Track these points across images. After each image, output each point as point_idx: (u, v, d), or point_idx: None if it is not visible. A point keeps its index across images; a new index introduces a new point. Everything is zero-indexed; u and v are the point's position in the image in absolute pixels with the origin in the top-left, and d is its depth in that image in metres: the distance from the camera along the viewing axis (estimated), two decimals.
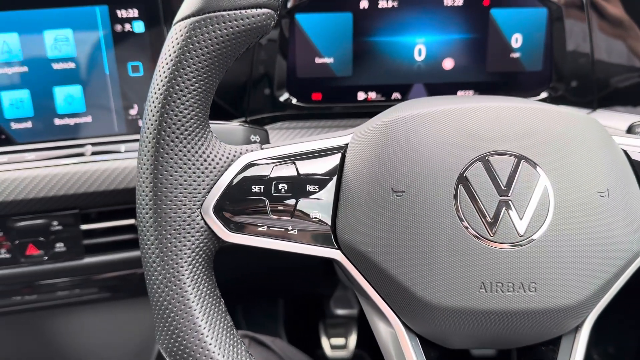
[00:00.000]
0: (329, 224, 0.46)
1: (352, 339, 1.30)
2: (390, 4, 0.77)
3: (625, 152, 0.47)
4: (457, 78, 0.81)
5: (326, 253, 0.47)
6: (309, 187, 0.46)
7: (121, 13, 0.71)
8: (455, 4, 0.77)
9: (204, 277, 0.45)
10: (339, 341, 1.32)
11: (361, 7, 0.77)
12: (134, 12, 0.71)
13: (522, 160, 0.43)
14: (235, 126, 0.59)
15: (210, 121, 0.54)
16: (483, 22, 0.78)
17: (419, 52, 0.79)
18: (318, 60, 0.79)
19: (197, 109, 0.44)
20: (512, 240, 0.43)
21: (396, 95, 0.82)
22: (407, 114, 0.46)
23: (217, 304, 0.46)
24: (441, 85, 0.81)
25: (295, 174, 0.46)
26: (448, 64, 0.80)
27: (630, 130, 0.63)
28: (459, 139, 0.44)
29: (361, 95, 0.82)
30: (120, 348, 0.92)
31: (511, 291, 0.43)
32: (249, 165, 0.46)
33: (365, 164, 0.45)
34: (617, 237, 0.44)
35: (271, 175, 0.46)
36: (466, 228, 0.43)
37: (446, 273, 0.43)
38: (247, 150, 0.47)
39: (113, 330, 0.90)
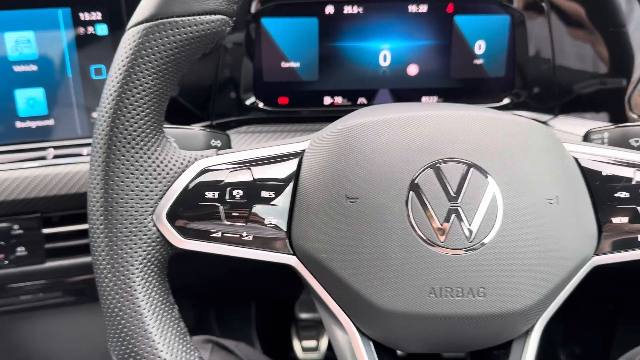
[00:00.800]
0: (284, 230, 0.46)
1: (324, 342, 1.31)
2: (355, 10, 0.78)
3: (576, 160, 0.48)
4: (422, 84, 0.81)
5: (281, 259, 0.47)
6: (264, 193, 0.46)
7: (84, 16, 0.71)
8: (420, 11, 0.78)
9: (157, 283, 0.45)
10: (311, 343, 1.33)
11: (327, 12, 0.78)
12: (97, 15, 0.71)
13: (472, 168, 0.44)
14: (195, 131, 0.59)
15: (170, 126, 0.54)
16: (447, 28, 0.79)
17: (384, 58, 0.80)
18: (284, 65, 0.80)
19: (150, 115, 0.44)
20: (461, 246, 0.43)
21: (362, 100, 0.82)
22: (362, 121, 0.46)
23: (170, 310, 0.46)
24: (406, 90, 0.82)
25: (250, 179, 0.46)
26: (412, 69, 0.81)
27: (586, 136, 0.65)
28: (411, 146, 0.44)
29: (327, 100, 0.82)
30: (85, 352, 0.91)
31: (460, 296, 0.44)
32: (204, 170, 0.46)
33: (321, 170, 0.46)
34: (565, 243, 0.45)
35: (226, 181, 0.46)
36: (417, 234, 0.43)
37: (397, 278, 0.44)
38: (202, 155, 0.47)
39: (77, 335, 0.89)
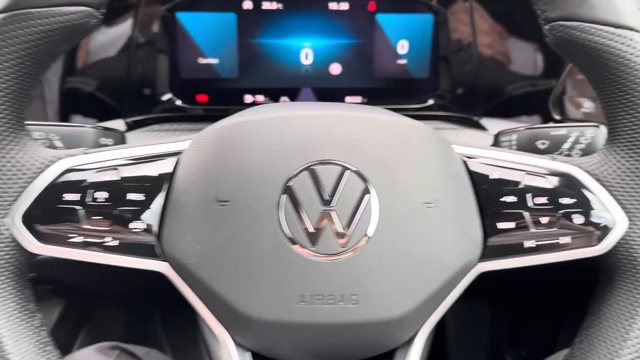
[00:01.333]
0: (155, 234, 0.44)
1: None
2: (274, 6, 0.76)
3: (465, 163, 0.47)
4: (345, 83, 0.80)
5: (151, 266, 0.44)
6: (132, 196, 0.43)
7: None
8: (341, 9, 0.76)
9: (13, 290, 0.42)
10: None
11: (245, 7, 0.75)
12: None
13: (348, 171, 0.42)
14: (82, 129, 0.56)
15: (56, 123, 0.51)
16: (369, 27, 0.77)
17: (306, 56, 0.78)
18: (202, 61, 0.77)
19: (7, 112, 0.41)
20: (333, 252, 0.41)
21: (284, 98, 0.80)
22: (238, 120, 0.44)
23: (29, 319, 0.43)
24: (329, 90, 0.80)
25: (117, 180, 0.43)
26: (335, 68, 0.79)
27: (496, 138, 0.64)
28: (287, 147, 0.42)
29: (248, 98, 0.80)
30: None
31: (331, 303, 0.42)
32: (68, 170, 0.43)
33: (194, 171, 0.43)
34: (444, 248, 0.43)
35: (89, 182, 0.43)
36: (288, 239, 0.41)
37: (267, 286, 0.41)
38: (67, 155, 0.44)
39: None
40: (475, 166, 0.47)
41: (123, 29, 0.75)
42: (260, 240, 0.41)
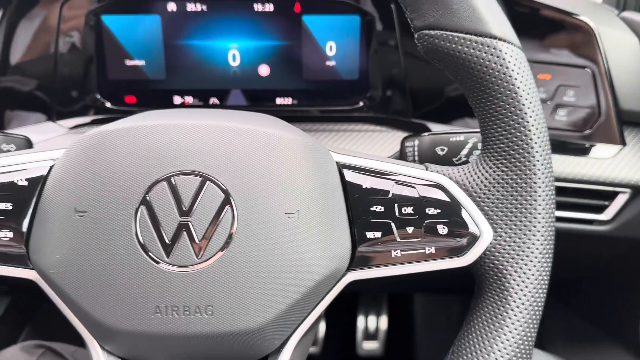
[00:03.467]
0: (23, 243, 0.44)
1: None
2: (199, 8, 0.76)
3: (341, 172, 0.47)
4: (275, 85, 0.80)
5: (21, 274, 0.45)
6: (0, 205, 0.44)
7: None
8: (266, 10, 0.76)
9: None
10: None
11: (169, 9, 0.75)
12: None
13: (208, 181, 0.42)
14: None
15: None
16: (296, 29, 0.77)
17: (233, 57, 0.78)
18: (129, 63, 0.77)
19: None
20: (188, 263, 0.42)
21: (214, 100, 0.80)
22: (106, 129, 0.44)
23: None
24: (259, 91, 0.80)
25: None
26: (264, 70, 0.79)
27: (402, 144, 0.64)
28: (146, 157, 0.42)
29: (177, 100, 0.80)
30: None
31: (187, 315, 0.42)
32: None
33: (59, 180, 0.44)
34: (307, 258, 0.43)
35: None
36: (144, 250, 0.42)
37: (123, 297, 0.42)
38: None
39: None
40: (350, 175, 0.46)
41: (43, 30, 0.75)
42: (116, 251, 0.42)
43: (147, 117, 0.46)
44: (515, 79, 0.42)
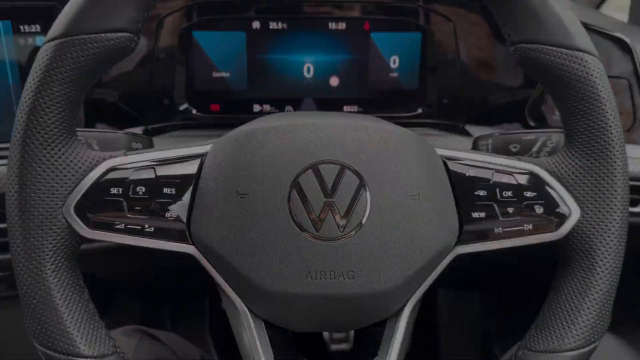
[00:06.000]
0: (185, 222, 0.53)
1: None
2: (280, 26, 0.85)
3: (445, 163, 0.56)
4: (343, 94, 0.89)
5: (181, 248, 0.53)
6: (166, 190, 0.52)
7: (24, 28, 0.76)
8: (339, 28, 0.86)
9: (66, 269, 0.51)
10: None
11: (254, 27, 0.85)
12: (36, 27, 0.77)
13: (346, 169, 0.51)
14: (117, 134, 0.65)
15: (93, 130, 0.60)
16: (364, 44, 0.87)
17: (308, 70, 0.87)
18: (215, 74, 0.86)
19: (62, 120, 0.50)
20: (334, 236, 0.50)
21: (289, 108, 0.90)
22: (253, 128, 0.53)
23: (79, 293, 0.52)
24: (328, 100, 0.89)
25: (153, 177, 0.52)
26: (334, 81, 0.88)
27: (475, 142, 0.73)
28: (295, 149, 0.51)
29: (256, 107, 0.89)
30: (11, 346, 0.95)
31: (332, 278, 0.51)
32: (111, 169, 0.52)
33: (217, 169, 0.52)
34: (425, 234, 0.52)
35: (130, 179, 0.52)
36: (297, 226, 0.50)
37: (278, 263, 0.50)
38: (110, 156, 0.53)
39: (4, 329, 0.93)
40: (453, 166, 0.56)
41: (142, 46, 0.84)
42: (273, 226, 0.50)
43: (281, 118, 0.54)
44: (598, 85, 0.52)
